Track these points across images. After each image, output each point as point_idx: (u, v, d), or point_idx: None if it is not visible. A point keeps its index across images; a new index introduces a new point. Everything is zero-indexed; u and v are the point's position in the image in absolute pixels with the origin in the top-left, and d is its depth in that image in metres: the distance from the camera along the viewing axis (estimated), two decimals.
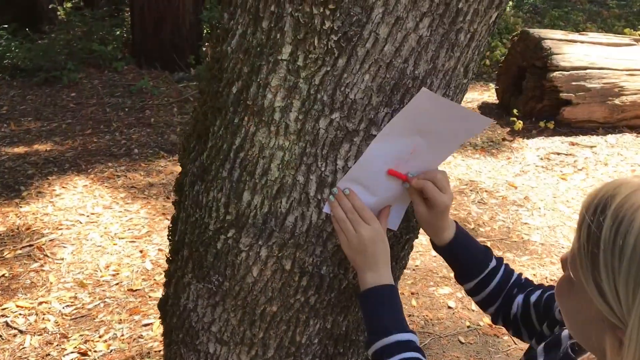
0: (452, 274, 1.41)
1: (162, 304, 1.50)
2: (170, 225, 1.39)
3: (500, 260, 1.32)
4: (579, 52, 6.15)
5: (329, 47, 1.02)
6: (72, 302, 3.29)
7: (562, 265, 0.96)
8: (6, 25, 7.91)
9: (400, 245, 1.37)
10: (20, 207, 4.27)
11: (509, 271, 1.32)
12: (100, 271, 3.58)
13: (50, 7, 8.64)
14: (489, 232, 4.25)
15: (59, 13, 8.55)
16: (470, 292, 1.34)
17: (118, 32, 8.60)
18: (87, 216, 4.21)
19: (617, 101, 6.12)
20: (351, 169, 1.14)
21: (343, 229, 1.17)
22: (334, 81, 1.06)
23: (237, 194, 1.19)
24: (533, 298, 1.26)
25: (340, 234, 1.18)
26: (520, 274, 1.34)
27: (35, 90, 7.10)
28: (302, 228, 1.20)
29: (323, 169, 1.14)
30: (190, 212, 1.30)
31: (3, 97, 6.82)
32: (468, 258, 1.30)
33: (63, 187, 4.63)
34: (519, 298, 1.29)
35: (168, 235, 1.40)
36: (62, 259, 3.68)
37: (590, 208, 0.84)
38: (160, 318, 1.51)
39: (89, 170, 4.97)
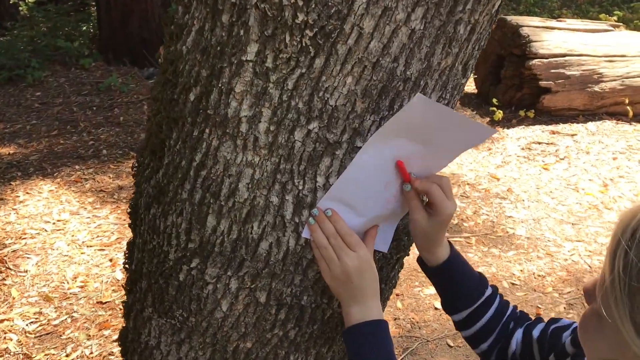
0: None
1: (123, 339, 1.32)
2: (126, 252, 1.21)
3: (495, 288, 1.16)
4: (557, 39, 6.06)
5: (304, 44, 0.85)
6: (36, 319, 3.08)
7: (586, 297, 0.81)
8: None
9: (390, 266, 1.20)
10: None
11: (504, 302, 1.16)
12: (68, 283, 3.37)
13: (11, 2, 8.28)
14: (472, 227, 4.13)
15: (21, 8, 8.21)
16: (460, 325, 1.17)
17: (84, 28, 8.28)
18: (53, 223, 3.98)
19: (596, 88, 6.05)
20: (333, 187, 0.97)
21: (325, 256, 1.00)
22: (310, 85, 0.88)
23: (200, 218, 1.01)
24: (536, 333, 1.09)
25: (322, 262, 1.01)
26: (515, 306, 1.18)
27: None
28: (278, 256, 1.03)
29: (300, 187, 0.97)
30: (147, 239, 1.12)
31: None
32: (462, 283, 1.13)
33: (27, 193, 4.39)
34: (518, 334, 1.12)
35: (124, 263, 1.21)
36: (26, 271, 3.46)
37: (627, 231, 0.70)
38: (121, 354, 1.33)
39: (55, 174, 4.73)
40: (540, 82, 5.90)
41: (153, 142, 1.03)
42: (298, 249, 1.03)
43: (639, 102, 6.17)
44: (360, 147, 0.94)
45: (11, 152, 5.20)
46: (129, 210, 1.15)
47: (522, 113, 6.01)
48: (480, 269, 3.61)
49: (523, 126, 5.92)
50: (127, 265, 1.20)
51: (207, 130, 0.95)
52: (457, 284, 1.13)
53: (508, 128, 5.88)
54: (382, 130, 0.91)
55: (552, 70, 5.90)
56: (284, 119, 0.91)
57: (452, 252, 1.12)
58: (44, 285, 3.34)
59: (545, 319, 1.13)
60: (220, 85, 0.91)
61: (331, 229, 0.99)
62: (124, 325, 1.31)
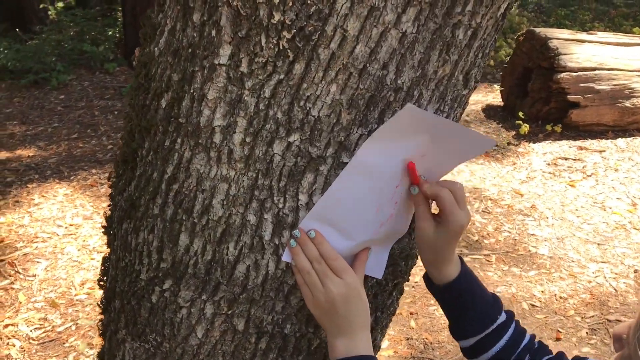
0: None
1: (101, 358, 1.24)
2: (102, 267, 1.13)
3: (510, 314, 1.04)
4: (587, 52, 5.87)
5: (281, 47, 0.75)
6: (41, 325, 3.03)
7: (615, 343, 0.72)
8: None
9: (386, 293, 1.10)
10: None
11: (520, 330, 1.03)
12: (75, 289, 3.32)
13: (41, 6, 8.38)
14: (493, 244, 3.98)
15: (50, 13, 8.30)
16: (468, 353, 1.05)
17: (110, 32, 8.34)
18: (66, 227, 3.95)
19: (627, 103, 5.84)
20: (317, 205, 0.88)
21: (308, 282, 0.91)
22: (290, 93, 0.79)
23: (172, 236, 0.92)
24: None
25: (304, 288, 0.92)
26: (532, 336, 1.05)
27: (23, 92, 6.86)
28: (257, 280, 0.93)
29: (281, 205, 0.87)
30: (119, 255, 1.03)
31: None
32: (472, 306, 1.01)
33: (42, 196, 4.37)
34: None
35: (99, 280, 1.13)
36: (35, 276, 3.42)
37: None
38: None
39: (72, 178, 4.72)
40: (568, 96, 5.72)
41: (125, 151, 0.95)
42: (278, 274, 0.93)
43: None
44: (346, 163, 0.84)
45: (31, 154, 5.21)
46: (104, 223, 1.07)
47: (549, 127, 5.82)
48: (499, 289, 3.47)
49: (550, 141, 5.74)
50: (101, 282, 1.12)
51: (179, 140, 0.86)
52: (466, 306, 1.01)
53: (534, 142, 5.70)
54: (367, 143, 0.81)
55: (581, 84, 5.72)
56: (262, 129, 0.82)
57: (462, 269, 1.00)
58: (51, 291, 3.30)
59: (567, 345, 1.00)
60: (192, 91, 0.83)
61: (314, 252, 0.89)
62: (102, 344, 1.23)
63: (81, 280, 3.39)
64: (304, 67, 0.77)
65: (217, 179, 0.86)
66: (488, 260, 3.81)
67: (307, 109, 0.80)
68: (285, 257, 0.91)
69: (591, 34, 6.46)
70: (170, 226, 0.92)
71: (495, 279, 3.60)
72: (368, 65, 0.77)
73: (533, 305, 3.39)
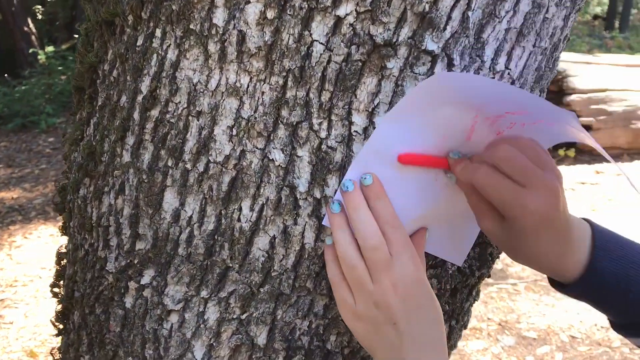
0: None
1: None
2: (57, 268, 0.79)
3: None
4: (595, 73, 5.67)
5: None
6: None
7: None
8: None
9: (467, 290, 0.76)
10: None
11: None
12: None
13: (30, 51, 8.18)
14: (520, 272, 3.64)
15: (39, 57, 8.07)
16: None
17: None
18: (50, 270, 3.58)
19: None
20: (366, 144, 0.54)
21: (350, 279, 0.57)
22: None
23: (152, 196, 0.59)
24: None
25: (341, 288, 0.58)
26: None
27: (10, 137, 6.60)
28: (286, 262, 0.59)
29: (324, 134, 0.54)
30: (77, 241, 0.69)
31: None
32: (628, 287, 0.61)
33: (25, 238, 4.02)
34: None
35: (52, 285, 0.79)
36: (12, 323, 3.03)
37: None
38: None
39: (58, 218, 4.36)
40: (580, 119, 5.48)
41: (79, 72, 0.62)
42: (320, 249, 0.59)
43: None
44: (435, 57, 0.52)
45: (15, 196, 4.89)
46: (55, 199, 0.73)
47: (561, 152, 5.57)
48: (532, 320, 3.12)
49: (564, 165, 5.47)
50: (55, 289, 0.77)
51: (158, 32, 0.54)
52: (619, 292, 0.64)
53: None
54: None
55: (593, 106, 5.49)
56: None
57: (594, 252, 0.62)
58: (30, 339, 2.91)
59: None
60: None
61: (370, 224, 0.55)
62: None
63: None
64: None
65: (221, 92, 0.53)
66: (516, 290, 3.47)
67: None
68: (326, 221, 0.58)
69: (597, 56, 6.29)
70: (148, 180, 0.58)
71: (526, 309, 3.25)
72: None
73: (573, 337, 3.03)
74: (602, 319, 3.13)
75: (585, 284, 0.62)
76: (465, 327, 0.88)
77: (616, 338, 3.00)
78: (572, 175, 5.32)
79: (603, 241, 0.63)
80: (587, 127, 5.51)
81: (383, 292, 0.56)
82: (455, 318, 0.79)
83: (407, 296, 0.56)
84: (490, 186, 0.55)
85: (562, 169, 5.44)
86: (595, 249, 0.61)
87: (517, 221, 0.56)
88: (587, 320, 3.14)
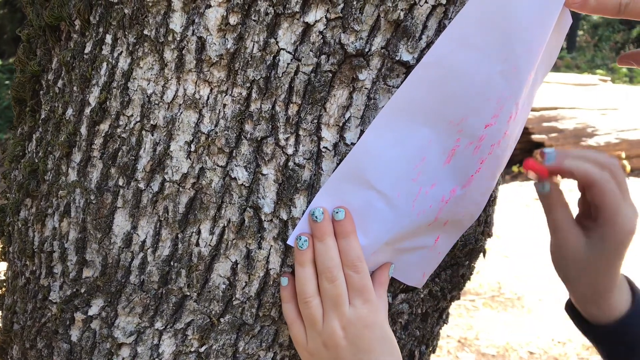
0: None
1: None
2: None
3: None
4: (546, 91, 5.86)
5: None
6: None
7: None
8: None
9: (437, 314, 0.72)
10: None
11: None
12: None
13: None
14: (477, 288, 3.66)
15: None
16: None
17: None
18: None
19: (591, 142, 5.78)
20: (338, 169, 0.50)
21: (304, 316, 0.55)
22: None
23: (101, 219, 0.53)
24: None
25: (296, 326, 0.56)
26: None
27: None
28: (249, 289, 0.54)
29: (290, 150, 0.50)
30: (17, 268, 0.63)
31: None
32: None
33: None
34: None
35: None
36: None
37: None
38: None
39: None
40: (532, 136, 5.63)
41: (20, 82, 0.56)
42: (287, 274, 0.54)
43: (635, 156, 5.89)
44: (409, 66, 0.48)
45: None
46: None
47: (515, 169, 5.69)
48: (491, 337, 3.14)
49: (518, 182, 5.57)
50: None
51: (108, 38, 0.49)
52: None
53: (501, 184, 5.51)
54: (444, 35, 0.46)
55: (545, 124, 5.65)
56: None
57: (636, 294, 0.61)
58: None
59: None
60: None
61: (334, 259, 0.53)
62: None
63: None
64: None
65: (179, 104, 0.49)
66: (474, 306, 3.48)
67: None
68: (292, 242, 0.53)
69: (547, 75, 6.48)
70: (97, 201, 0.53)
71: (485, 326, 3.27)
72: None
73: (531, 353, 3.06)
74: (559, 334, 3.18)
75: (616, 331, 0.59)
76: (434, 351, 0.85)
77: (573, 353, 3.03)
78: (525, 191, 5.41)
79: (636, 286, 0.62)
80: (540, 144, 5.65)
81: (332, 333, 0.54)
82: (425, 343, 0.76)
83: (357, 340, 0.54)
84: (609, 192, 0.55)
85: (517, 184, 5.55)
86: (635, 298, 0.60)
87: (614, 233, 0.56)
88: (545, 335, 3.17)
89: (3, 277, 0.69)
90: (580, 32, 13.39)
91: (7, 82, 7.80)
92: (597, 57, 11.93)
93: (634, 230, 0.55)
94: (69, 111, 0.53)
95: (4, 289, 0.69)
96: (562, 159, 0.56)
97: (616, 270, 0.58)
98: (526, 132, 5.60)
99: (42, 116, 0.56)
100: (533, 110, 5.55)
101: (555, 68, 10.82)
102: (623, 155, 5.82)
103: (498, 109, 0.52)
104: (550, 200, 0.59)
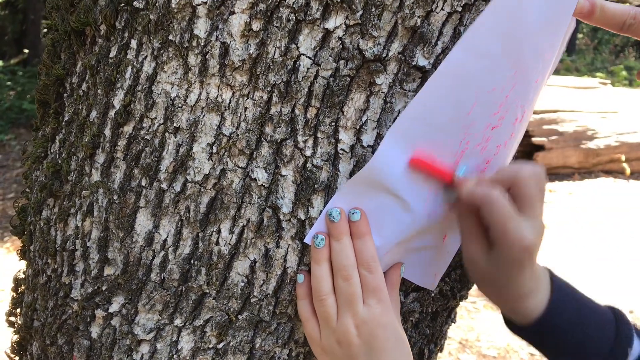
0: None
1: None
2: (14, 295, 0.73)
3: None
4: (547, 94, 5.86)
5: None
6: None
7: None
8: None
9: (446, 313, 0.74)
10: None
11: None
12: None
13: None
14: (478, 290, 3.67)
15: None
16: None
17: None
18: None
19: (591, 145, 5.78)
20: (357, 174, 0.52)
21: (319, 314, 0.56)
22: None
23: (123, 218, 0.55)
24: None
25: (310, 324, 0.58)
26: None
27: None
28: (267, 287, 0.56)
29: (309, 152, 0.52)
30: (38, 266, 0.64)
31: None
32: (583, 343, 0.62)
33: None
34: None
35: (8, 314, 0.73)
36: None
37: None
38: None
39: (5, 239, 4.19)
40: (532, 139, 5.63)
41: (45, 85, 0.58)
42: (304, 272, 0.56)
43: (635, 159, 5.91)
44: (426, 72, 0.50)
45: None
46: (14, 223, 0.68)
47: None
48: (492, 338, 3.14)
49: None
50: (11, 318, 0.72)
51: (133, 43, 0.50)
52: (571, 346, 0.64)
53: None
54: (470, 32, 0.47)
55: (545, 127, 5.65)
56: (279, 6, 0.47)
57: (553, 296, 0.62)
58: None
59: None
60: None
61: (349, 259, 0.54)
62: None
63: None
64: None
65: (201, 107, 0.50)
66: (475, 308, 3.50)
67: None
68: (308, 239, 0.55)
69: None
70: (119, 200, 0.54)
71: (486, 327, 3.28)
72: None
73: (532, 355, 3.07)
74: None
75: (535, 331, 0.61)
76: (441, 350, 0.86)
77: None
78: None
79: (559, 295, 0.62)
80: (540, 147, 5.65)
81: (345, 331, 0.55)
82: (434, 342, 0.77)
83: (370, 338, 0.55)
84: (500, 208, 0.53)
85: None
86: (554, 293, 0.61)
87: (507, 250, 0.55)
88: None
89: (23, 276, 0.71)
90: (580, 35, 13.43)
91: (8, 83, 7.81)
92: (596, 60, 11.98)
93: (532, 245, 0.54)
94: (93, 113, 0.54)
95: (24, 287, 0.70)
96: (462, 184, 0.56)
97: (520, 283, 0.58)
98: (526, 135, 5.61)
99: (66, 118, 0.57)
100: (533, 112, 5.57)
101: (555, 71, 10.86)
102: (623, 158, 5.84)
103: (505, 111, 0.54)
104: (460, 209, 0.59)
